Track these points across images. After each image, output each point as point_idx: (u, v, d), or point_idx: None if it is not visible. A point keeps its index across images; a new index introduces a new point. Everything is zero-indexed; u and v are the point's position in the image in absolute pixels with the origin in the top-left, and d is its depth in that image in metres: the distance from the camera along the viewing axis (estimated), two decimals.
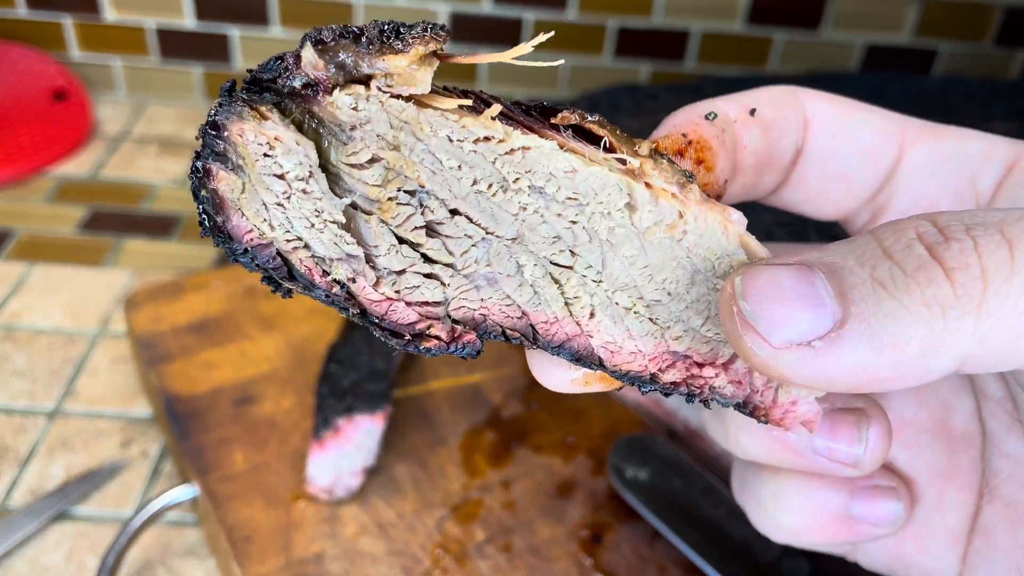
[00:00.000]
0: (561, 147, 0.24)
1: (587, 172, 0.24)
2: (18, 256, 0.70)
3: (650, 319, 0.26)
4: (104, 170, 0.81)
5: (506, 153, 0.24)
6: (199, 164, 0.24)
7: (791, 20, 0.86)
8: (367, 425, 0.48)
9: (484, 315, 0.26)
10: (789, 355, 0.22)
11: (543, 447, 0.52)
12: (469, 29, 0.86)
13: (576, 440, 0.52)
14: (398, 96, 0.24)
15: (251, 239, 0.24)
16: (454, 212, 0.25)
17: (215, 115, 0.23)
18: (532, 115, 0.25)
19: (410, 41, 0.23)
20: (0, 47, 0.87)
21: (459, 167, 0.24)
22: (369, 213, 0.25)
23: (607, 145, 0.25)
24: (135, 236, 0.73)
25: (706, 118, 0.28)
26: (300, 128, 0.24)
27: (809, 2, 0.85)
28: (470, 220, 0.25)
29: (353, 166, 0.24)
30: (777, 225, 0.56)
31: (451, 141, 0.24)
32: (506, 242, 0.25)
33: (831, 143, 0.30)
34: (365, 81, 0.23)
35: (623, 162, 0.25)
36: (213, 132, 0.23)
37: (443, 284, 0.25)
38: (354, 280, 0.25)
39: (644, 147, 0.25)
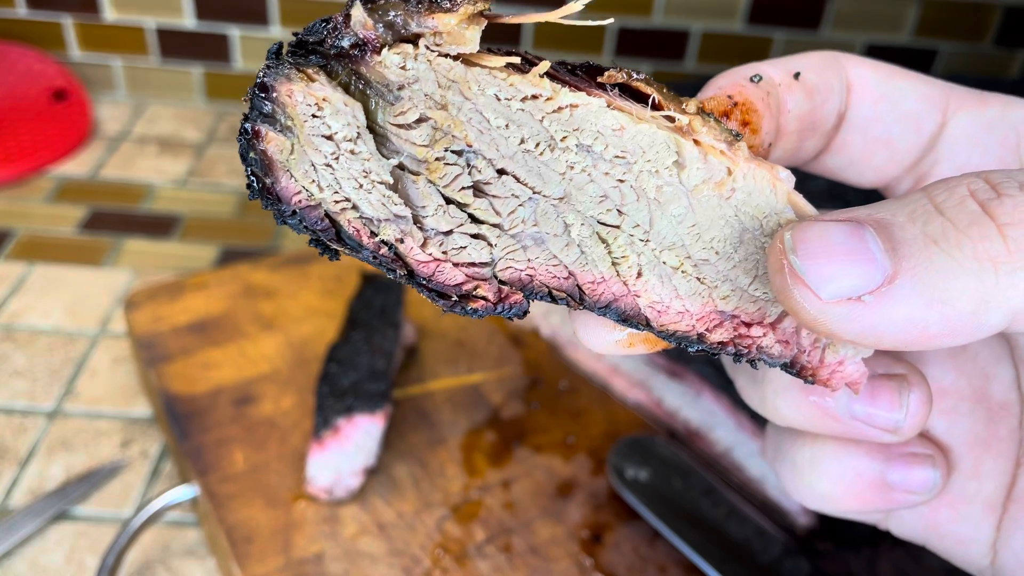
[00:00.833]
0: (609, 105, 0.24)
1: (635, 130, 0.24)
2: (18, 256, 0.70)
3: (697, 278, 0.26)
4: (104, 170, 0.81)
5: (554, 111, 0.24)
6: (247, 126, 0.24)
7: (791, 20, 0.86)
8: (367, 425, 0.48)
9: (531, 276, 0.26)
10: (839, 309, 0.22)
11: (543, 447, 0.52)
12: None
13: (576, 440, 0.52)
14: (446, 55, 0.24)
15: (299, 200, 0.24)
16: (501, 172, 0.25)
17: (263, 77, 0.23)
18: (578, 74, 0.25)
19: (459, 0, 0.23)
20: (0, 47, 0.87)
21: (506, 126, 0.24)
22: (416, 174, 0.25)
23: (654, 103, 0.25)
24: (135, 236, 0.73)
25: (751, 80, 0.27)
26: (347, 90, 0.24)
27: (809, 2, 0.85)
28: (517, 179, 0.25)
29: (400, 126, 0.24)
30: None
31: (499, 99, 0.24)
32: (553, 201, 0.25)
33: (874, 108, 0.30)
34: (413, 40, 0.23)
35: (671, 119, 0.25)
36: (261, 94, 0.23)
37: (490, 245, 0.25)
38: (402, 241, 0.25)
39: (691, 105, 0.25)
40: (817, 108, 0.29)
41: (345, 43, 0.23)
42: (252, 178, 0.24)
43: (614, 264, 0.26)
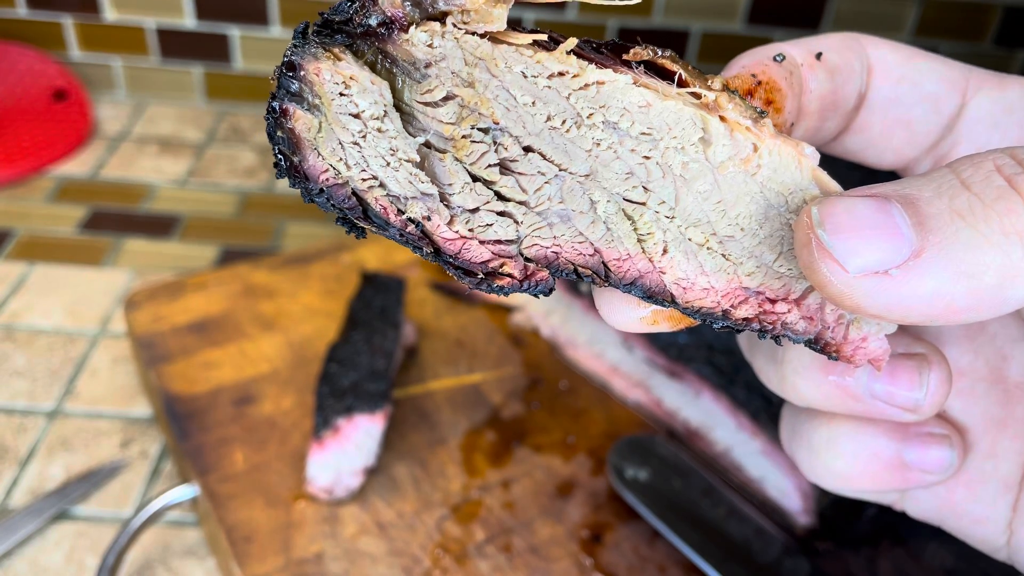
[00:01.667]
0: (635, 82, 0.24)
1: (661, 106, 0.24)
2: (18, 256, 0.70)
3: (723, 255, 0.26)
4: (104, 170, 0.81)
5: (580, 88, 0.24)
6: (275, 104, 0.24)
7: (791, 20, 0.86)
8: (367, 425, 0.48)
9: (557, 253, 0.26)
10: (866, 283, 0.22)
11: (543, 447, 0.52)
12: None
13: (576, 440, 0.52)
14: (473, 33, 0.24)
15: (327, 179, 0.25)
16: (528, 149, 0.25)
17: (291, 55, 0.23)
18: (603, 52, 0.25)
19: None
20: (0, 47, 0.87)
21: (533, 103, 0.24)
22: (443, 151, 0.25)
23: (680, 80, 0.25)
24: (135, 236, 0.73)
25: (774, 59, 0.28)
26: (373, 68, 0.24)
27: (809, 2, 0.85)
28: (543, 157, 0.25)
29: (427, 104, 0.24)
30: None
31: (525, 77, 0.24)
32: (579, 178, 0.25)
33: (894, 89, 0.30)
34: (440, 18, 0.24)
35: (697, 96, 0.25)
36: (289, 72, 0.23)
37: (516, 222, 0.25)
38: (428, 219, 0.25)
39: (717, 82, 0.25)
40: (838, 88, 0.29)
41: (372, 21, 0.23)
42: (280, 157, 0.24)
43: (640, 241, 0.26)
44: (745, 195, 0.25)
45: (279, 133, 0.24)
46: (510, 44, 0.24)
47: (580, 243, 0.26)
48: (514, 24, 0.24)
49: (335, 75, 0.23)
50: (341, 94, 0.24)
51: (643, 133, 0.25)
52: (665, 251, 0.26)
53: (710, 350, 0.51)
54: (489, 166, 0.25)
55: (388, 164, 0.24)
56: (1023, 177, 0.22)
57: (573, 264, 0.26)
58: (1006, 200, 0.21)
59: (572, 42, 0.24)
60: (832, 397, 0.29)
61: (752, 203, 0.25)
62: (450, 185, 0.25)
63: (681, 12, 0.85)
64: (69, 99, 0.86)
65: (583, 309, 0.57)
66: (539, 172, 0.25)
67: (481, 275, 0.26)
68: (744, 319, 0.26)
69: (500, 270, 0.26)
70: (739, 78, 0.27)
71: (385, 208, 0.25)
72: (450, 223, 0.25)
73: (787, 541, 0.46)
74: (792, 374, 0.30)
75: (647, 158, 0.25)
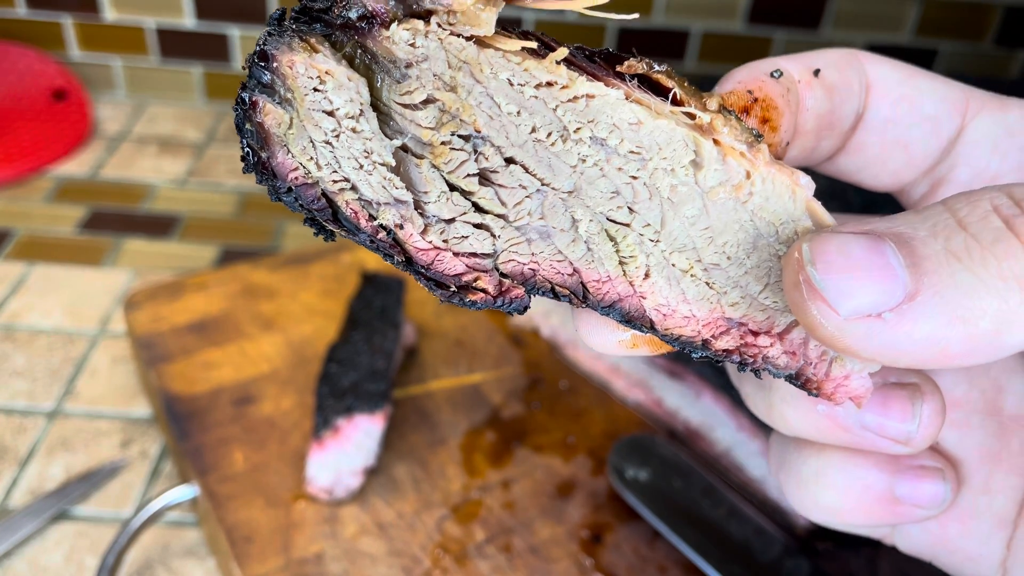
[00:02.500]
0: (627, 97, 0.23)
1: (653, 125, 0.23)
2: (18, 256, 0.70)
3: (707, 283, 0.25)
4: (104, 170, 0.81)
5: (569, 100, 0.23)
6: (244, 95, 0.22)
7: (791, 20, 0.86)
8: (367, 425, 0.48)
9: (534, 270, 0.25)
10: (858, 327, 0.21)
11: (543, 447, 0.52)
12: None
13: (576, 440, 0.52)
14: (459, 35, 0.22)
15: (296, 178, 0.23)
16: (510, 160, 0.24)
17: (264, 44, 0.22)
18: (596, 61, 0.24)
19: None
20: (0, 47, 0.87)
21: (518, 113, 0.23)
22: (420, 157, 0.24)
23: (675, 97, 0.24)
24: (135, 236, 0.73)
25: (771, 76, 0.27)
26: (351, 63, 0.23)
27: (809, 2, 0.85)
28: (526, 170, 0.24)
29: (406, 106, 0.23)
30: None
31: (511, 85, 0.23)
32: (562, 195, 0.24)
33: (893, 109, 0.29)
34: (425, 16, 0.22)
35: (691, 116, 0.24)
36: (261, 63, 0.22)
37: (493, 236, 0.24)
38: (401, 227, 0.24)
39: (713, 102, 0.24)
40: (836, 108, 0.28)
41: (352, 14, 0.22)
42: (247, 151, 0.23)
43: (621, 263, 0.25)
44: (734, 223, 0.24)
45: (247, 126, 0.23)
46: (497, 49, 0.23)
47: (559, 262, 0.25)
48: (505, 26, 0.23)
49: (310, 69, 0.22)
50: (315, 89, 0.22)
51: (632, 152, 0.24)
52: (647, 275, 0.25)
53: None
54: (468, 176, 0.24)
55: (361, 167, 0.23)
56: (1021, 219, 0.21)
57: (550, 283, 0.25)
58: (1004, 243, 0.21)
59: (563, 52, 0.23)
60: (821, 427, 0.28)
61: (741, 231, 0.24)
62: (426, 193, 0.24)
63: (681, 12, 0.85)
64: (69, 99, 0.86)
65: None
66: (520, 185, 0.24)
67: (454, 288, 0.25)
68: (724, 350, 0.25)
69: (474, 284, 0.25)
70: (735, 94, 0.26)
71: (356, 212, 0.24)
72: (424, 232, 0.24)
73: (787, 541, 0.45)
74: (780, 403, 0.29)
75: (634, 178, 0.24)
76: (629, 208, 0.24)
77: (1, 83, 0.86)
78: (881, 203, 0.46)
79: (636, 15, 0.24)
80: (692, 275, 0.25)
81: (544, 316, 0.59)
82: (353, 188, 0.24)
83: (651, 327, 0.25)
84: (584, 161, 0.24)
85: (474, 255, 0.25)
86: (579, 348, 0.57)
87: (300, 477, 0.48)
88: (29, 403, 0.58)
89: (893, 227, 0.22)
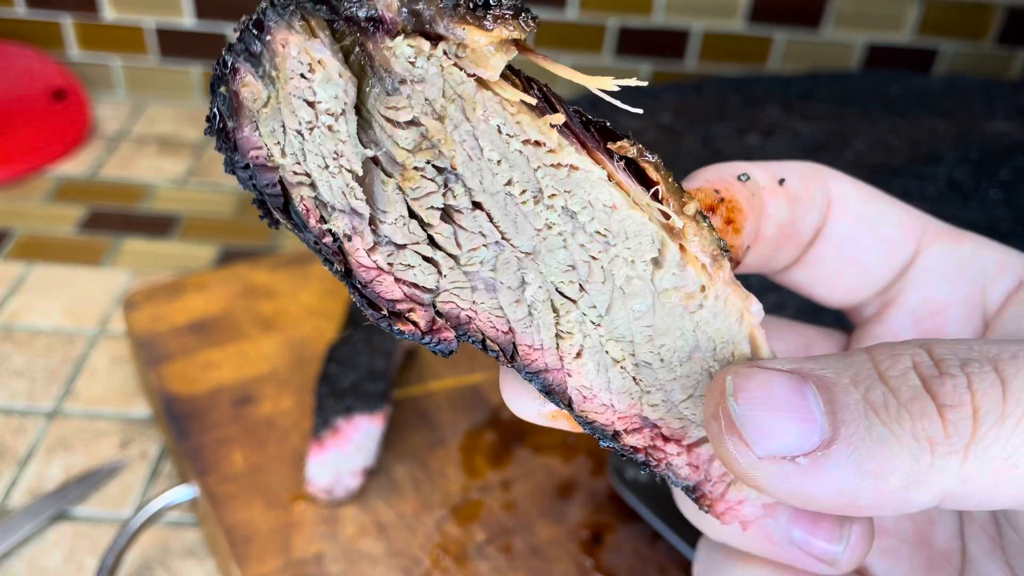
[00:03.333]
0: (609, 178, 0.23)
1: (627, 213, 0.23)
2: (17, 256, 0.70)
3: (634, 378, 0.25)
4: (103, 170, 0.81)
5: (552, 165, 0.23)
6: (228, 59, 0.21)
7: (792, 19, 0.86)
8: (366, 425, 0.48)
9: (470, 317, 0.24)
10: (771, 467, 0.22)
11: (543, 447, 0.51)
12: None
13: (576, 440, 0.52)
14: (462, 69, 0.22)
15: (257, 156, 0.22)
16: (477, 205, 0.23)
17: (263, 14, 0.21)
18: (590, 131, 0.23)
19: (498, 18, 0.21)
20: None
21: (499, 162, 0.23)
22: (389, 175, 0.23)
23: (656, 192, 0.24)
24: (134, 236, 0.73)
25: (738, 179, 0.27)
26: (347, 57, 0.22)
27: (810, 1, 0.85)
28: (490, 219, 0.23)
29: (389, 120, 0.22)
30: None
31: (500, 133, 0.22)
32: (519, 254, 0.24)
33: (851, 227, 0.29)
34: (434, 39, 0.21)
35: (666, 216, 0.23)
36: (255, 30, 0.21)
37: (440, 273, 0.24)
38: (350, 238, 0.23)
39: (691, 206, 0.24)
40: (798, 218, 0.28)
41: (361, 13, 0.21)
42: (215, 114, 0.22)
43: (558, 336, 0.24)
44: (677, 328, 0.24)
45: (222, 89, 0.22)
46: (496, 94, 0.22)
47: (498, 317, 0.24)
48: (511, 67, 0.22)
49: (303, 53, 0.21)
50: (303, 76, 0.21)
51: (599, 232, 0.23)
52: (579, 355, 0.25)
53: None
54: (431, 208, 0.23)
55: (327, 166, 0.22)
56: (938, 381, 0.21)
57: (483, 334, 0.24)
58: (920, 402, 0.21)
59: (559, 118, 0.22)
60: (750, 537, 0.28)
61: (681, 338, 0.24)
62: (385, 212, 0.23)
63: (682, 11, 0.85)
64: (68, 99, 0.86)
65: None
66: (481, 233, 0.23)
67: (386, 312, 0.24)
68: (632, 447, 0.25)
69: (406, 314, 0.24)
70: (702, 191, 0.27)
71: (308, 210, 0.23)
72: (371, 250, 0.23)
73: None
74: None
75: (594, 258, 0.24)
76: (580, 286, 0.24)
77: (0, 83, 0.86)
78: None
79: (645, 83, 0.23)
80: (622, 367, 0.25)
81: None
82: (312, 185, 0.23)
83: (568, 405, 0.25)
84: (550, 228, 0.23)
85: (415, 286, 0.24)
86: None
87: (300, 477, 0.48)
88: (28, 403, 0.58)
89: (818, 370, 0.22)
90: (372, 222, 0.23)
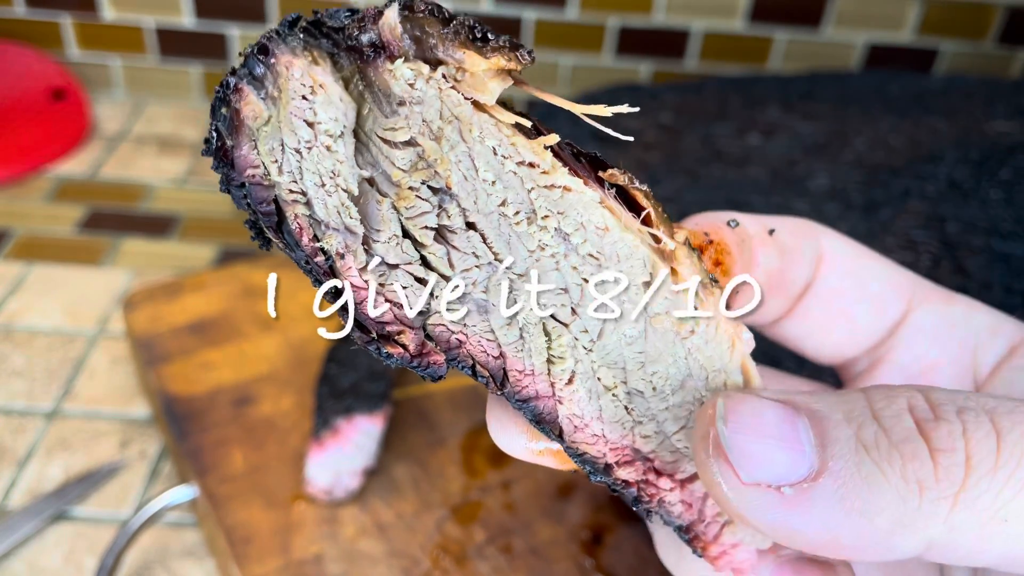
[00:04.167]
0: (601, 202, 0.23)
1: (619, 236, 0.23)
2: (16, 256, 0.70)
3: (626, 407, 0.25)
4: (103, 170, 0.81)
5: (546, 186, 0.23)
6: (231, 80, 0.22)
7: (792, 19, 0.86)
8: (366, 426, 0.48)
9: (460, 341, 0.24)
10: (755, 496, 0.21)
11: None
12: None
13: None
14: (459, 92, 0.22)
15: (253, 175, 0.23)
16: (471, 226, 0.23)
17: (268, 40, 0.22)
18: (581, 161, 0.24)
19: (496, 49, 0.22)
20: None
21: (493, 183, 0.23)
22: (384, 195, 0.23)
23: (646, 218, 0.24)
24: (134, 236, 0.73)
25: (728, 224, 0.27)
26: (346, 86, 0.23)
27: (810, 1, 0.85)
28: (484, 240, 0.23)
29: (386, 142, 0.23)
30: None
31: (495, 153, 0.23)
32: (512, 275, 0.24)
33: (841, 283, 0.29)
34: (432, 63, 0.22)
35: (657, 240, 0.24)
36: (259, 55, 0.22)
37: (431, 295, 0.24)
38: (342, 256, 0.23)
39: (680, 235, 0.24)
40: (786, 269, 0.28)
41: (364, 39, 0.22)
42: (213, 133, 0.22)
43: (550, 361, 0.24)
44: (669, 355, 0.24)
45: (223, 110, 0.22)
46: (492, 116, 0.23)
47: (489, 341, 0.24)
48: (505, 101, 0.23)
49: (305, 76, 0.22)
50: (304, 97, 0.22)
51: (591, 255, 0.23)
52: (570, 381, 0.24)
53: None
54: (425, 227, 0.23)
55: (323, 185, 0.23)
56: (933, 425, 0.21)
57: (473, 359, 0.24)
58: (912, 444, 0.21)
59: (553, 138, 0.23)
60: None
61: (674, 366, 0.24)
62: (378, 231, 0.23)
63: (682, 11, 0.85)
64: (67, 98, 0.86)
65: None
66: (474, 253, 0.24)
67: (375, 335, 0.24)
68: (624, 481, 0.25)
69: (395, 337, 0.24)
70: (691, 232, 0.26)
71: (301, 228, 0.23)
72: (363, 269, 0.23)
73: None
74: (691, 557, 0.28)
75: (586, 281, 0.24)
76: (572, 309, 0.24)
77: (0, 83, 0.86)
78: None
79: (636, 109, 0.24)
80: (614, 395, 0.25)
81: None
82: (307, 204, 0.23)
83: (559, 435, 0.25)
84: (543, 249, 0.23)
85: (405, 307, 0.24)
86: None
87: (299, 478, 0.48)
88: (28, 403, 0.58)
89: (811, 403, 0.22)
90: (365, 241, 0.23)
